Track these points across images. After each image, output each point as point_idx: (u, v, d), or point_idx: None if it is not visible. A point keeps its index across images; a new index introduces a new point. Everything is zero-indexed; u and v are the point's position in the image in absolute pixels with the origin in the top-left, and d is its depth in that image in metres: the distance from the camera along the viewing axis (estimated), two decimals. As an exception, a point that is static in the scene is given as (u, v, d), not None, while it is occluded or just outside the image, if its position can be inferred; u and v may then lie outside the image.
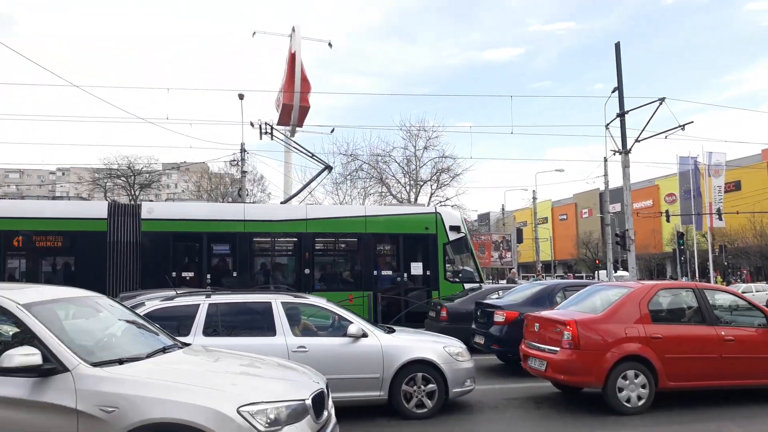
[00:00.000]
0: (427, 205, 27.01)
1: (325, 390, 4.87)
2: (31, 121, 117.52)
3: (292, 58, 27.35)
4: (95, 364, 4.14)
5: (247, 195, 33.76)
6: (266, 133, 20.53)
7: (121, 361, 4.31)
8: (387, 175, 33.91)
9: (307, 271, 15.33)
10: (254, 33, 29.91)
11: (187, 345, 5.40)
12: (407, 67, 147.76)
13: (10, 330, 4.46)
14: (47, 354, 4.03)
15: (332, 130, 28.42)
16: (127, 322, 5.27)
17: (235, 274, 15.11)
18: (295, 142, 21.66)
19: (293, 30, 27.99)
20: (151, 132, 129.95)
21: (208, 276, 14.90)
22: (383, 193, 33.84)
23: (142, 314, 6.04)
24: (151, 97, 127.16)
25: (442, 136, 33.75)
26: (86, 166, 54.15)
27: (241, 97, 26.59)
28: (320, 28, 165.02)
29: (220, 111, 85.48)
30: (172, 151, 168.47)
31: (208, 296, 7.38)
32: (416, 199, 32.28)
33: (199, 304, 7.20)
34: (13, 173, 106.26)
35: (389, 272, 16.12)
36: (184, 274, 14.80)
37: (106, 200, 36.59)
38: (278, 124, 26.68)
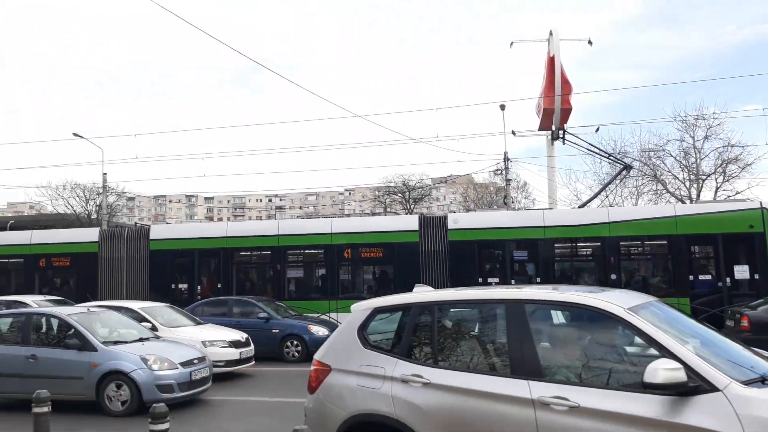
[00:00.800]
0: (714, 200, 24.35)
1: None
2: (322, 150, 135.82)
3: (551, 61, 27.10)
4: (746, 383, 3.52)
5: (512, 202, 34.33)
6: (557, 138, 21.47)
7: (764, 380, 3.63)
8: (661, 171, 31.36)
9: (613, 276, 14.93)
10: (512, 43, 30.33)
11: None
12: (675, 54, 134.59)
13: (619, 338, 4.14)
14: (687, 369, 3.49)
15: (597, 129, 27.23)
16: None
17: (538, 280, 15.24)
18: (589, 143, 21.34)
19: (550, 34, 27.77)
20: (423, 150, 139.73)
21: (513, 282, 15.27)
22: (658, 191, 31.35)
23: None
24: (420, 118, 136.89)
25: (725, 122, 29.87)
26: (368, 186, 60.86)
27: (502, 107, 27.37)
28: (576, 27, 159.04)
29: (483, 124, 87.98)
30: (440, 166, 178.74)
31: None
32: (699, 195, 29.24)
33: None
34: (311, 195, 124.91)
35: (707, 276, 14.91)
36: (489, 279, 15.40)
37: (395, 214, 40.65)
38: (539, 129, 26.77)
